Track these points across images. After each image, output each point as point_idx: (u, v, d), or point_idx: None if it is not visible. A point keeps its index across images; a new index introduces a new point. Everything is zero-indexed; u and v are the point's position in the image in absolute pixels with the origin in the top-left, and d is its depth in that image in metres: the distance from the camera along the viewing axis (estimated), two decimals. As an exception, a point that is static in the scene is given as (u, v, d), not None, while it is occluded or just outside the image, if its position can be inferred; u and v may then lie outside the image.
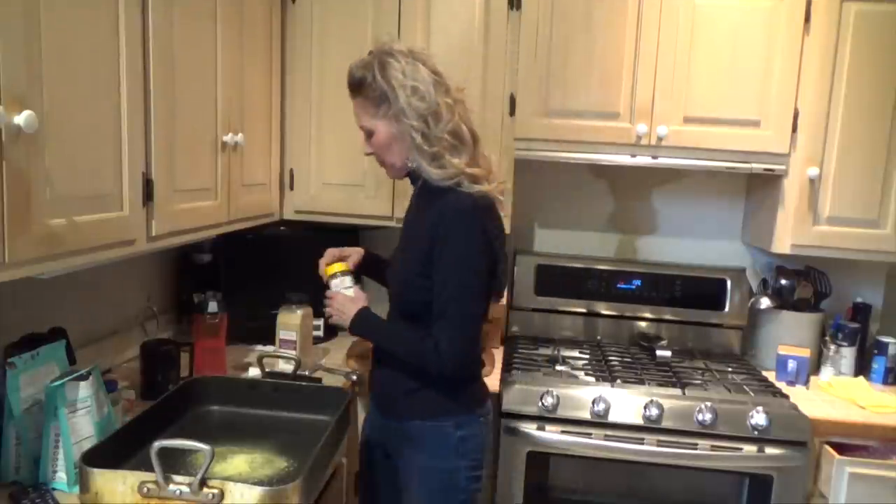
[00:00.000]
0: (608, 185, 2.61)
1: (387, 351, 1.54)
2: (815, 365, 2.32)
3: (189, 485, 1.12)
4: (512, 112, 2.21)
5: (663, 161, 2.20)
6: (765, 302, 2.41)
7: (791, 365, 2.24)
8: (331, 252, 1.69)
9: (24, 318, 1.55)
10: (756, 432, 1.92)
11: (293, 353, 1.96)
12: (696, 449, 1.94)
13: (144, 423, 1.40)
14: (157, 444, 1.13)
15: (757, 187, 2.45)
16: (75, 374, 1.33)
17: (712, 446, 1.94)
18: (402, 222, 1.65)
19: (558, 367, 2.18)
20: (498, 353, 2.35)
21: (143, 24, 1.37)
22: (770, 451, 1.92)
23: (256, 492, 1.12)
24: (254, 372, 1.94)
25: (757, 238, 2.43)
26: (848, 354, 2.29)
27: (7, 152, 1.00)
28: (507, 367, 2.17)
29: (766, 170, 2.19)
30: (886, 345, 2.28)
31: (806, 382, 2.23)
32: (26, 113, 1.01)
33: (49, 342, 1.41)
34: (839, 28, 2.07)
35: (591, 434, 1.96)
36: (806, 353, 2.25)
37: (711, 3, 2.11)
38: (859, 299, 2.43)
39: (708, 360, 2.38)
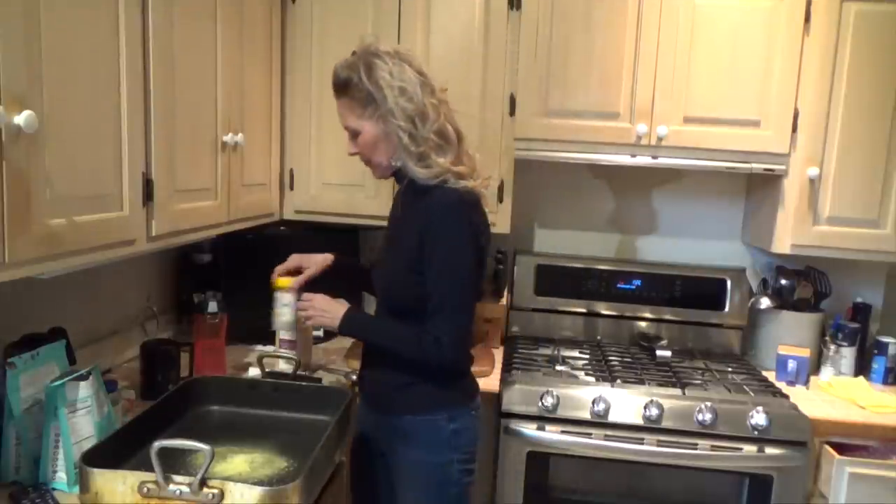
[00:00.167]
0: (608, 185, 2.61)
1: (381, 348, 1.54)
2: (815, 365, 2.32)
3: (189, 485, 1.11)
4: (512, 112, 2.21)
5: (663, 161, 2.20)
6: (765, 302, 2.41)
7: (791, 365, 2.24)
8: (291, 259, 1.69)
9: (24, 318, 1.55)
10: (756, 432, 1.92)
11: (293, 353, 1.96)
12: (696, 449, 1.94)
13: (144, 423, 1.40)
14: (157, 444, 1.13)
15: (757, 187, 2.45)
16: (75, 374, 1.33)
17: (712, 446, 1.94)
18: None
19: (558, 367, 2.18)
20: (498, 353, 2.35)
21: (143, 24, 1.37)
22: (770, 451, 1.92)
23: (256, 492, 1.12)
24: (254, 372, 1.93)
25: (757, 238, 2.43)
26: (848, 354, 2.29)
27: (7, 152, 1.00)
28: (507, 367, 2.17)
29: (766, 170, 2.19)
30: (886, 345, 2.28)
31: (806, 382, 2.23)
32: (26, 113, 1.01)
33: (49, 342, 1.41)
34: (839, 28, 2.07)
35: (591, 434, 1.96)
36: (806, 353, 2.25)
37: (711, 3, 2.11)
38: (859, 299, 2.43)
39: (708, 360, 2.38)
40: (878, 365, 2.28)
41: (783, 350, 2.27)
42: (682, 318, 2.50)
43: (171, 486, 1.12)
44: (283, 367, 1.87)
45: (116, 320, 2.00)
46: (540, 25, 2.17)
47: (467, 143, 1.54)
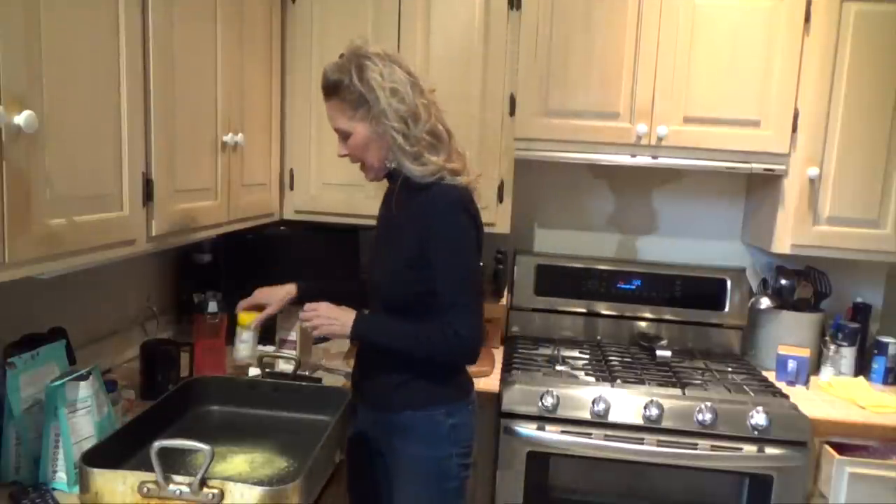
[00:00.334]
0: (608, 185, 2.61)
1: (397, 349, 1.52)
2: (815, 365, 2.32)
3: (189, 485, 1.11)
4: (512, 112, 2.21)
5: (663, 161, 2.20)
6: (765, 302, 2.41)
7: (791, 365, 2.24)
8: (255, 294, 1.73)
9: (24, 318, 1.55)
10: (756, 432, 1.92)
11: (293, 353, 1.96)
12: (696, 449, 1.94)
13: (144, 423, 1.40)
14: (157, 444, 1.13)
15: (757, 187, 2.45)
16: (75, 374, 1.33)
17: (712, 446, 1.94)
18: None
19: (558, 367, 2.18)
20: (498, 353, 2.35)
21: (143, 24, 1.37)
22: (770, 451, 1.92)
23: (256, 492, 1.12)
24: (254, 372, 1.93)
25: (757, 238, 2.43)
26: (848, 354, 2.29)
27: (7, 152, 1.00)
28: (507, 367, 2.17)
29: (766, 170, 2.19)
30: (886, 345, 2.28)
31: (806, 382, 2.23)
32: (26, 113, 1.01)
33: (49, 342, 1.41)
34: (839, 28, 2.07)
35: (591, 434, 1.96)
36: (806, 353, 2.25)
37: (711, 3, 2.11)
38: (859, 299, 2.43)
39: (708, 360, 2.38)
40: (878, 365, 2.28)
41: (783, 350, 2.27)
42: (682, 318, 2.50)
43: (171, 486, 1.12)
44: (283, 367, 1.87)
45: (116, 320, 2.00)
46: (540, 25, 2.17)
47: (456, 142, 1.56)
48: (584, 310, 2.53)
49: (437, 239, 1.46)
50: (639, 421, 1.96)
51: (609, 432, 1.97)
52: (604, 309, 2.52)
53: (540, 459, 2.00)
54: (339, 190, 2.29)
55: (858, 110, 2.10)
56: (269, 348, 2.07)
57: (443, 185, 1.48)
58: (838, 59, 2.08)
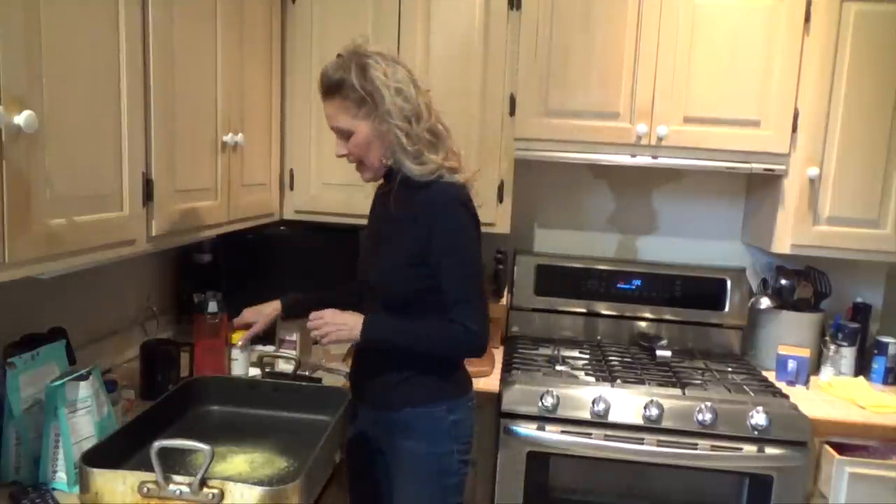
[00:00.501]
0: (608, 185, 2.61)
1: (407, 348, 1.53)
2: (815, 365, 2.32)
3: (189, 485, 1.11)
4: (512, 112, 2.21)
5: (663, 161, 2.20)
6: (765, 302, 2.41)
7: (791, 365, 2.24)
8: (243, 314, 1.78)
9: (24, 318, 1.55)
10: (756, 432, 1.92)
11: (293, 353, 1.97)
12: (696, 449, 1.94)
13: (144, 423, 1.40)
14: (157, 444, 1.13)
15: (757, 187, 2.45)
16: (75, 374, 1.33)
17: (712, 446, 1.94)
18: None
19: (558, 367, 2.18)
20: (498, 353, 2.35)
21: (143, 24, 1.37)
22: (770, 451, 1.92)
23: (256, 492, 1.12)
24: (254, 372, 1.94)
25: (757, 238, 2.43)
26: (848, 354, 2.29)
27: (7, 152, 1.00)
28: (507, 368, 2.17)
29: (766, 170, 2.19)
30: (886, 345, 2.28)
31: (806, 382, 2.23)
32: (26, 113, 1.01)
33: (49, 342, 1.41)
34: (839, 28, 2.07)
35: (591, 434, 1.96)
36: (806, 353, 2.25)
37: (711, 3, 2.11)
38: (859, 299, 2.43)
39: (708, 360, 2.38)
40: (878, 365, 2.28)
41: (783, 350, 2.27)
42: (682, 318, 2.50)
43: (171, 486, 1.12)
44: (283, 367, 1.87)
45: (116, 320, 2.00)
46: (540, 25, 2.17)
47: (452, 141, 1.57)
48: (584, 310, 2.53)
49: (439, 236, 1.47)
50: (639, 421, 1.95)
51: (609, 432, 1.97)
52: (604, 309, 2.52)
53: (540, 459, 2.00)
54: (339, 190, 2.29)
55: (858, 110, 2.10)
56: (269, 348, 2.08)
57: (441, 182, 1.49)
58: (838, 59, 2.08)
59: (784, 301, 2.37)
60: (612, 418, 1.96)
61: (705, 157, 2.18)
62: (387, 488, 1.62)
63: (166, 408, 1.51)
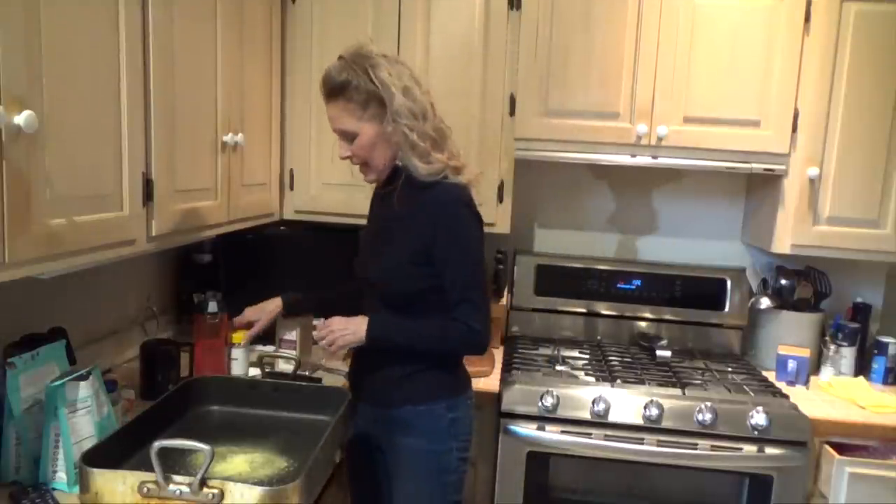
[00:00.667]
0: (608, 185, 2.61)
1: (412, 347, 1.54)
2: (815, 365, 2.32)
3: (189, 485, 1.11)
4: (512, 112, 2.21)
5: (663, 161, 2.20)
6: (765, 302, 2.41)
7: (791, 365, 2.24)
8: (245, 313, 1.82)
9: (24, 318, 1.55)
10: (756, 432, 1.92)
11: (293, 353, 1.96)
12: (696, 449, 1.94)
13: (144, 423, 1.40)
14: (157, 444, 1.13)
15: (757, 187, 2.45)
16: (75, 374, 1.33)
17: (712, 446, 1.94)
18: None
19: (558, 367, 2.18)
20: (498, 353, 2.35)
21: (143, 24, 1.37)
22: (770, 451, 1.92)
23: (256, 492, 1.12)
24: (254, 372, 1.94)
25: (757, 238, 2.43)
26: (848, 354, 2.29)
27: (7, 152, 1.00)
28: (507, 368, 2.17)
29: (766, 170, 2.19)
30: (886, 345, 2.28)
31: (806, 382, 2.23)
32: (26, 113, 1.01)
33: (49, 342, 1.41)
34: (839, 28, 2.07)
35: (591, 434, 1.96)
36: (806, 353, 2.25)
37: (711, 3, 2.11)
38: (859, 299, 2.43)
39: (708, 360, 2.38)
40: (878, 365, 2.28)
41: (783, 350, 2.27)
42: (682, 318, 2.50)
43: (171, 486, 1.12)
44: (283, 367, 1.87)
45: (116, 320, 2.00)
46: (540, 25, 2.17)
47: (452, 141, 1.58)
48: (584, 310, 2.53)
49: (443, 236, 1.48)
50: (639, 421, 1.95)
51: (609, 432, 1.97)
52: (604, 309, 2.52)
53: (540, 459, 2.00)
54: (339, 190, 2.29)
55: (858, 110, 2.10)
56: (270, 348, 2.08)
57: (445, 183, 1.50)
58: (838, 59, 2.08)
59: (784, 301, 2.37)
60: (612, 418, 1.96)
61: (705, 157, 2.18)
62: (386, 486, 1.62)
63: (166, 408, 1.51)
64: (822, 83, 2.10)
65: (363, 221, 2.36)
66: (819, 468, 1.96)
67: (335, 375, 2.02)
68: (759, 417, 1.91)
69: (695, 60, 2.13)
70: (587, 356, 2.34)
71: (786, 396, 2.05)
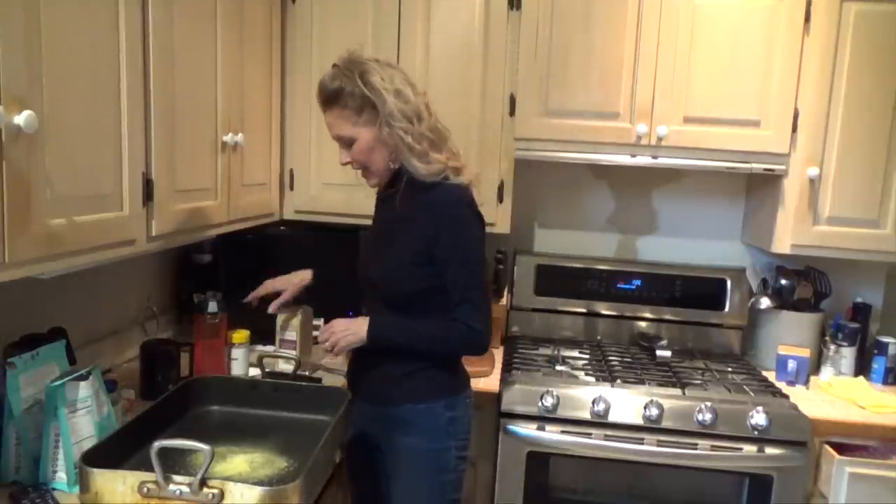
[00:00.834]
0: (608, 185, 2.61)
1: (411, 348, 1.55)
2: (815, 365, 2.32)
3: (189, 485, 1.11)
4: (512, 112, 2.21)
5: (663, 161, 2.20)
6: (765, 302, 2.41)
7: (791, 365, 2.24)
8: (264, 285, 1.82)
9: (24, 318, 1.55)
10: (756, 432, 1.92)
11: (293, 353, 1.96)
12: (696, 449, 1.94)
13: (144, 423, 1.40)
14: (157, 444, 1.13)
15: (757, 187, 2.45)
16: (75, 374, 1.33)
17: (712, 446, 1.94)
18: None
19: (558, 367, 2.18)
20: (498, 353, 2.35)
21: (143, 24, 1.37)
22: (770, 451, 1.92)
23: (256, 492, 1.12)
24: (254, 372, 1.94)
25: (757, 238, 2.43)
26: (848, 354, 2.29)
27: (7, 152, 1.00)
28: (507, 368, 2.17)
29: (766, 170, 2.19)
30: (886, 345, 2.28)
31: (806, 382, 2.23)
32: (26, 113, 1.01)
33: (49, 342, 1.40)
34: (839, 28, 2.07)
35: (591, 434, 1.96)
36: (806, 353, 2.25)
37: (711, 3, 2.11)
38: (859, 299, 2.43)
39: (708, 360, 2.38)
40: (878, 365, 2.28)
41: (783, 350, 2.27)
42: (682, 318, 2.50)
43: (171, 486, 1.12)
44: (283, 367, 1.87)
45: (116, 320, 2.00)
46: (540, 25, 2.17)
47: (452, 141, 1.58)
48: (584, 310, 2.53)
49: (445, 236, 1.49)
50: (639, 421, 1.95)
51: (609, 432, 1.97)
52: (604, 309, 2.52)
53: (540, 459, 2.00)
54: (339, 190, 2.29)
55: (858, 110, 2.10)
56: (269, 348, 2.08)
57: (447, 184, 1.52)
58: (838, 59, 2.08)
59: (784, 301, 2.37)
60: (612, 418, 1.96)
61: (705, 157, 2.18)
62: (386, 484, 1.63)
63: (166, 408, 1.50)
64: (822, 83, 2.10)
65: (363, 221, 2.36)
66: (819, 468, 1.96)
67: (335, 375, 2.02)
68: (759, 417, 1.91)
69: (695, 60, 2.13)
70: (587, 356, 2.34)
71: (786, 396, 2.05)
